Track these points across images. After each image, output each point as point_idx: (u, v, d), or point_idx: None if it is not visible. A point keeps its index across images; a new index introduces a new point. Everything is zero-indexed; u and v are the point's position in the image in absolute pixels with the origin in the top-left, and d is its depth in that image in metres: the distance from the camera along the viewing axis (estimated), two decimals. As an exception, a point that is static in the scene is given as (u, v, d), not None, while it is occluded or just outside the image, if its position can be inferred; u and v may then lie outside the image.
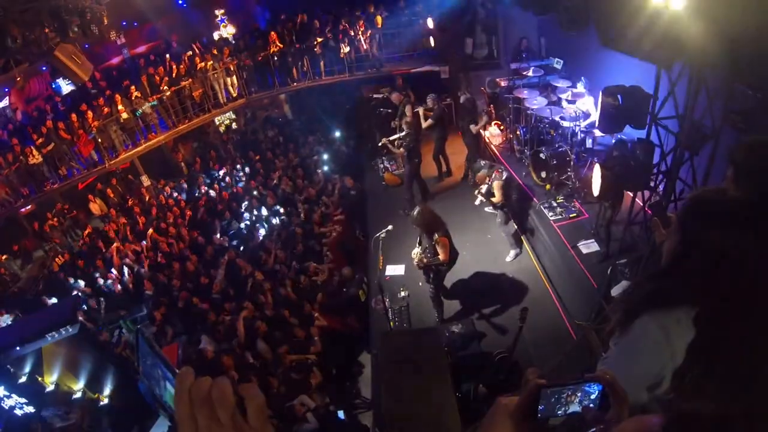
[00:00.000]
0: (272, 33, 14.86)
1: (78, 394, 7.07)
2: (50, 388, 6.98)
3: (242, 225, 11.92)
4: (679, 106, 5.18)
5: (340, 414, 7.06)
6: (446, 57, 13.79)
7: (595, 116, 8.25)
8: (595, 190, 7.00)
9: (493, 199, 8.14)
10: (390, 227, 7.48)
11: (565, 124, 9.18)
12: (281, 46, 14.73)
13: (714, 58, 4.55)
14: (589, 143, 8.98)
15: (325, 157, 13.95)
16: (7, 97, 14.99)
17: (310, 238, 10.64)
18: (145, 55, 16.64)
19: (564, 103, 9.55)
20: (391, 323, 7.71)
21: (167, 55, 15.12)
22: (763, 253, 1.30)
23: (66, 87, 15.60)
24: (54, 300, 10.82)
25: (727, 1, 4.13)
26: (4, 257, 13.51)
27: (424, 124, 10.33)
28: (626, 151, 6.58)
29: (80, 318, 7.61)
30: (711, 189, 1.49)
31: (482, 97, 12.02)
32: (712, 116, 4.79)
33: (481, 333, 7.50)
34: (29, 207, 13.84)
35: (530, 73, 10.66)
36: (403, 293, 8.35)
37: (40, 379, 6.97)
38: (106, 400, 7.21)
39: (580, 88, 9.45)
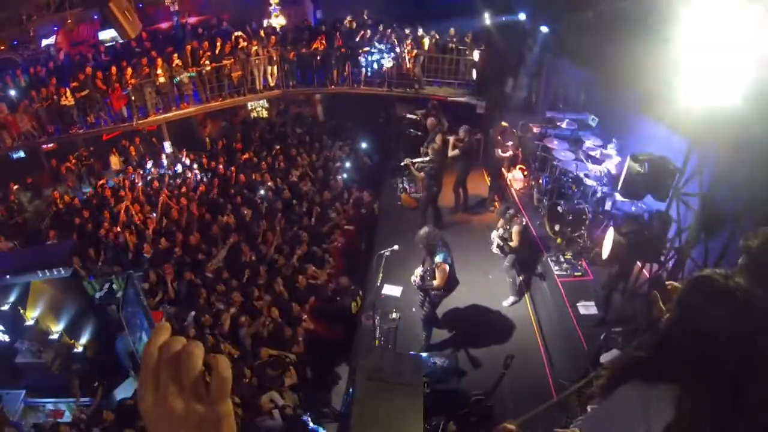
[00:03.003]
0: (321, 33, 15.04)
1: (55, 336, 7.09)
2: (30, 322, 7.01)
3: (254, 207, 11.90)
4: (704, 186, 5.14)
5: (306, 418, 6.98)
6: (485, 92, 13.84)
7: (619, 179, 8.21)
8: (605, 253, 6.95)
9: (511, 244, 8.11)
10: (396, 247, 7.48)
11: (588, 182, 9.15)
12: (325, 45, 14.87)
13: (747, 147, 4.54)
14: (608, 205, 8.93)
15: (348, 165, 13.97)
16: (55, 36, 15.30)
17: (315, 242, 10.62)
18: (194, 26, 16.94)
19: (591, 161, 9.53)
20: (377, 341, 7.68)
21: (215, 32, 15.34)
22: (754, 346, 1.28)
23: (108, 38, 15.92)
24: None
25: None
26: (15, 187, 13.69)
27: (451, 153, 10.30)
28: (643, 220, 6.54)
29: (75, 263, 7.66)
30: (718, 272, 1.47)
31: (513, 137, 12.04)
32: (735, 202, 4.76)
33: (463, 370, 7.43)
34: (51, 145, 14.06)
35: (564, 125, 10.67)
36: (394, 315, 8.30)
37: (22, 311, 7.01)
38: (80, 349, 7.20)
39: (610, 149, 9.42)
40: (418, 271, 7.12)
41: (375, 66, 14.69)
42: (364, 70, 14.91)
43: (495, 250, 8.84)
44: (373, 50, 14.20)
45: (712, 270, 1.48)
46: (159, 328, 0.83)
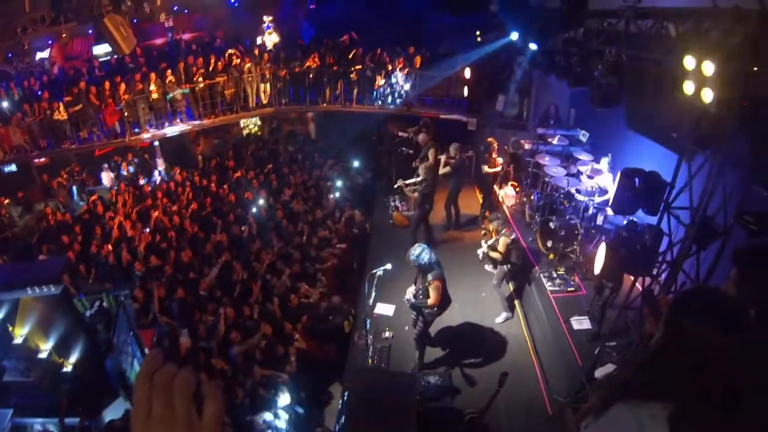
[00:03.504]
0: (314, 52, 15.15)
1: (44, 355, 6.94)
2: (18, 340, 6.86)
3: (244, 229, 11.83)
4: (694, 199, 5.18)
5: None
6: (476, 109, 13.93)
7: (610, 194, 8.27)
8: (597, 268, 6.95)
9: (493, 254, 8.15)
10: (388, 266, 7.46)
11: (580, 197, 9.20)
12: (318, 63, 14.97)
13: (735, 158, 4.59)
14: (600, 220, 8.96)
15: (339, 183, 13.95)
16: (49, 50, 15.32)
17: (307, 260, 10.57)
18: (188, 42, 17.03)
19: (582, 177, 9.59)
20: (370, 360, 7.61)
21: (209, 48, 15.42)
22: (744, 358, 1.27)
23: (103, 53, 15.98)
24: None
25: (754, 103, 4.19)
26: (6, 201, 13.56)
27: (442, 171, 10.31)
28: (635, 234, 6.55)
29: (65, 280, 7.56)
30: (705, 286, 1.49)
31: (504, 154, 12.11)
32: (725, 214, 4.80)
33: (456, 388, 7.38)
34: (43, 159, 14.00)
35: (555, 141, 10.76)
36: (387, 334, 8.26)
37: (10, 328, 6.87)
38: (69, 368, 7.07)
39: (602, 164, 9.49)
40: (411, 290, 7.07)
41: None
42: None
43: (487, 267, 8.83)
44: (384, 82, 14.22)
45: (698, 285, 1.49)
46: (151, 356, 0.86)
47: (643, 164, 6.55)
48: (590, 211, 8.99)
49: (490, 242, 8.33)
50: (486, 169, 11.18)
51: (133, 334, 6.75)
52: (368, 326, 7.46)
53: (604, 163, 9.47)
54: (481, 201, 12.09)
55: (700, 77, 4.52)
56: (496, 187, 11.89)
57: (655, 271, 6.10)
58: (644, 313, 5.85)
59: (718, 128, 4.67)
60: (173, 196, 13.61)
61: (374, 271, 7.46)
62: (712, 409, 1.26)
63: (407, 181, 10.02)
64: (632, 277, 6.80)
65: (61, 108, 12.88)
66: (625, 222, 7.91)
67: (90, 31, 15.29)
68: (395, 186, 10.39)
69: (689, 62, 4.63)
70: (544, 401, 7.08)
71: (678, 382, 1.34)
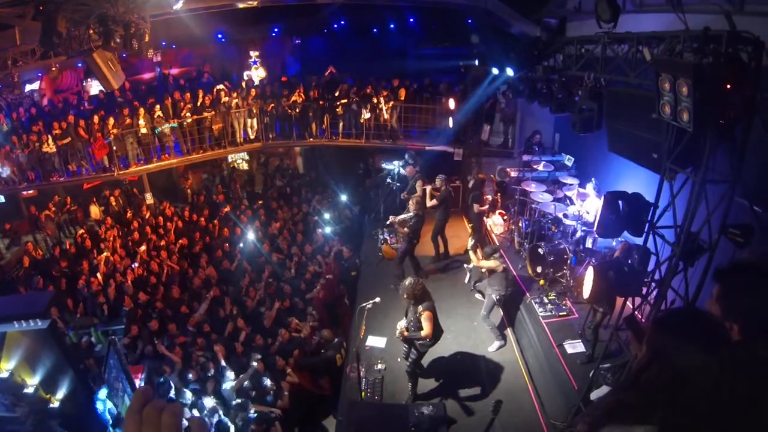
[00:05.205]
0: (299, 87, 15.33)
1: (30, 390, 6.73)
2: (4, 374, 6.67)
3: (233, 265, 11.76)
4: (678, 217, 5.23)
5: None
6: (462, 140, 14.07)
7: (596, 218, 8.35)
8: (586, 292, 6.95)
9: (479, 263, 8.13)
10: (377, 299, 7.42)
11: (567, 222, 9.26)
12: (303, 97, 15.15)
13: (716, 174, 4.67)
14: (589, 243, 9.01)
15: (327, 217, 13.94)
16: (39, 82, 15.42)
17: (297, 295, 10.48)
18: (176, 77, 17.23)
19: (568, 201, 9.68)
20: (363, 393, 7.50)
21: (197, 83, 15.61)
22: (727, 372, 1.27)
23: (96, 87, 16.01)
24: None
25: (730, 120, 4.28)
26: None
27: (429, 203, 10.30)
28: (623, 255, 6.59)
29: (54, 314, 7.40)
30: (684, 309, 1.49)
31: (491, 185, 12.20)
32: (710, 229, 4.84)
33: (451, 419, 7.22)
34: (32, 191, 13.96)
35: (541, 167, 10.88)
36: (380, 366, 8.16)
37: (-5, 363, 6.69)
38: (56, 404, 6.87)
39: (588, 188, 9.59)
40: (402, 323, 7.00)
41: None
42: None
43: (477, 296, 8.77)
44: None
45: (678, 307, 1.50)
46: (140, 392, 0.90)
47: (628, 186, 6.64)
48: (578, 235, 9.05)
49: (479, 259, 8.34)
50: (478, 207, 11.21)
51: (124, 370, 6.62)
52: (360, 359, 7.34)
53: (591, 186, 9.58)
54: (470, 232, 12.10)
55: (676, 98, 4.63)
56: (485, 219, 11.92)
57: (644, 291, 6.11)
58: (629, 335, 5.85)
59: (697, 147, 4.76)
60: (161, 231, 13.52)
61: (363, 305, 7.42)
62: (696, 425, 1.25)
63: (399, 217, 10.02)
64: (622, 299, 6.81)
65: (50, 141, 12.90)
66: (614, 243, 7.97)
67: (80, 65, 15.42)
68: (388, 222, 10.38)
69: (665, 84, 4.75)
70: (541, 427, 6.97)
71: (661, 401, 1.34)
